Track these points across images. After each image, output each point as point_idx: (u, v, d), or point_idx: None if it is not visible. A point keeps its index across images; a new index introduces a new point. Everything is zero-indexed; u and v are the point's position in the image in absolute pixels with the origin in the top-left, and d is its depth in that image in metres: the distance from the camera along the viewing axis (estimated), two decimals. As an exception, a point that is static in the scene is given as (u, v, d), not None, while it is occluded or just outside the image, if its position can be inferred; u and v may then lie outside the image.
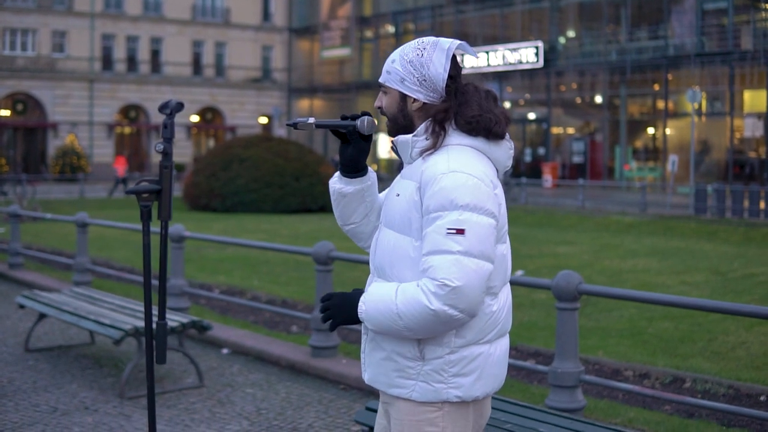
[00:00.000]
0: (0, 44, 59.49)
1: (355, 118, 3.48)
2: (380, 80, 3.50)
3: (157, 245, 3.60)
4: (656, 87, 47.42)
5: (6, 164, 56.60)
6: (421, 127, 3.41)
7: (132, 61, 64.02)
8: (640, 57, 46.51)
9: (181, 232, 11.32)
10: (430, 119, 3.41)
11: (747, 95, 44.12)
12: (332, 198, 3.64)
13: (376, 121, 3.52)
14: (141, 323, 8.27)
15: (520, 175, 46.22)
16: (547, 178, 46.01)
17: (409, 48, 3.46)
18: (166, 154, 3.50)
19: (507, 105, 54.46)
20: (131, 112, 64.54)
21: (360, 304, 3.34)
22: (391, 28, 61.60)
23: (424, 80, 3.41)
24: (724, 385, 8.13)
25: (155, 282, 12.65)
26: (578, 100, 52.59)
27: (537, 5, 52.37)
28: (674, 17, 45.51)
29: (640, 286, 14.66)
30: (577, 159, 50.07)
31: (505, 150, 3.48)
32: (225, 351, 10.03)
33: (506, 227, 3.45)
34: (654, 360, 9.33)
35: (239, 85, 67.27)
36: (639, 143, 49.45)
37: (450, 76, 3.41)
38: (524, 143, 53.38)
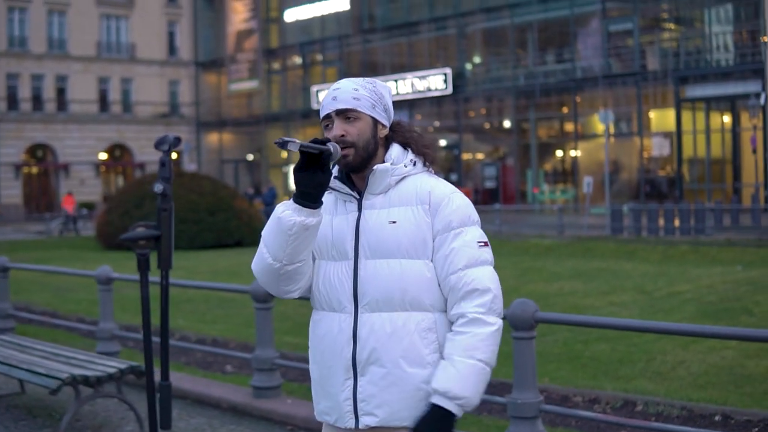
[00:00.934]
0: None
1: (323, 142, 3.33)
2: (347, 106, 3.42)
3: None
4: (565, 109, 48.04)
5: None
6: (395, 155, 3.48)
7: (38, 100, 63.05)
8: (548, 80, 47.12)
9: (109, 273, 11.02)
10: (405, 148, 3.52)
11: (654, 115, 44.87)
12: (287, 233, 3.31)
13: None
14: (78, 371, 7.97)
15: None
16: (461, 204, 46.15)
17: (359, 81, 3.52)
18: (165, 195, 3.20)
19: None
20: (38, 152, 63.55)
21: (448, 403, 3.25)
22: (298, 59, 61.58)
23: (386, 110, 3.51)
24: (676, 407, 8.09)
25: (84, 327, 12.32)
26: (487, 126, 53.05)
27: (443, 32, 52.73)
28: (580, 40, 46.16)
29: (570, 309, 14.68)
30: (489, 184, 50.43)
31: None
32: (162, 395, 9.74)
33: None
34: (599, 384, 9.27)
35: (147, 120, 66.60)
36: (549, 166, 50.00)
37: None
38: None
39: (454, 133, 52.75)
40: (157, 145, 3.20)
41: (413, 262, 3.36)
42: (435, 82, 50.95)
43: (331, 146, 3.32)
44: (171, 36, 68.96)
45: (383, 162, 3.46)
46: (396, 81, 52.52)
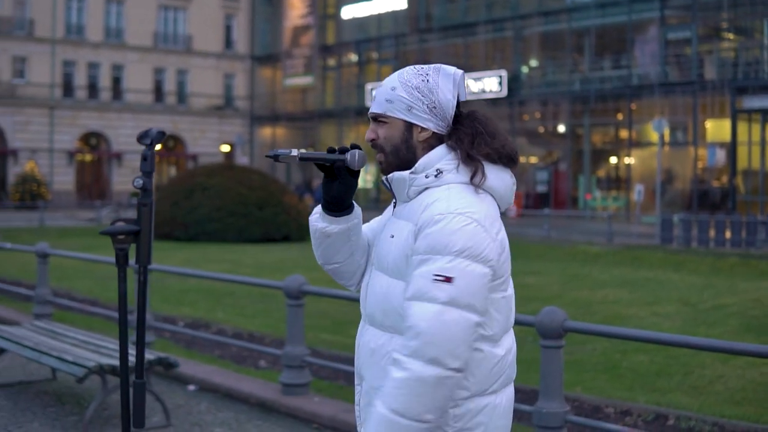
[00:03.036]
0: (-41, 70, 58.99)
1: (343, 151, 3.17)
2: (377, 110, 3.19)
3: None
4: (620, 116, 47.61)
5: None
6: (425, 162, 3.13)
7: (93, 88, 63.59)
8: (604, 86, 46.71)
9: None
10: (450, 150, 3.14)
11: (710, 125, 44.34)
12: (313, 237, 3.32)
13: (365, 155, 3.23)
14: (105, 360, 7.96)
15: (483, 204, 46.07)
16: (512, 208, 45.95)
17: (409, 74, 3.19)
18: (146, 190, 3.10)
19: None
20: (92, 140, 64.05)
21: None
22: (354, 57, 61.58)
23: (434, 107, 3.15)
24: (708, 423, 7.92)
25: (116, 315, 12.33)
26: (541, 130, 52.72)
27: (500, 34, 52.50)
28: (637, 47, 45.72)
29: (612, 318, 14.48)
30: (540, 188, 50.12)
31: (508, 184, 3.26)
32: (192, 388, 9.71)
33: (509, 272, 3.20)
34: (633, 395, 9.11)
35: (201, 112, 66.95)
36: (602, 172, 49.58)
37: (456, 104, 3.18)
38: (487, 172, 53.36)
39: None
40: (140, 138, 3.10)
41: (396, 283, 3.10)
42: (490, 84, 50.74)
43: (349, 155, 3.16)
44: (228, 29, 69.27)
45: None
46: (450, 82, 52.29)
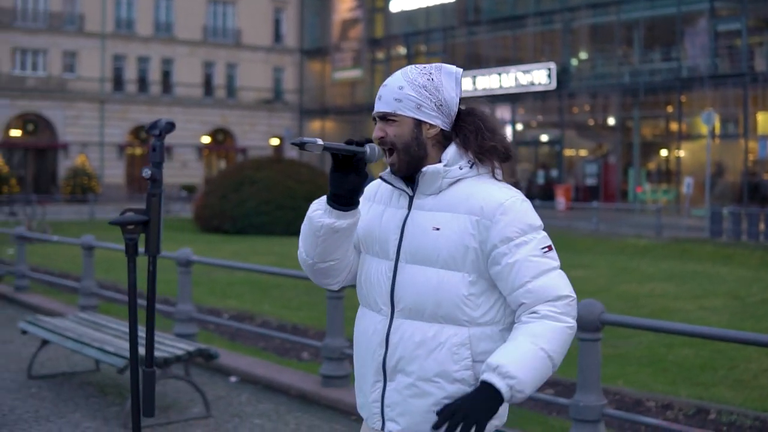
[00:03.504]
0: (10, 64, 59.53)
1: (360, 144, 3.18)
2: (387, 109, 3.23)
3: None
4: (669, 109, 47.19)
5: (16, 185, 56.45)
6: (450, 156, 3.23)
7: (143, 82, 64.02)
8: (653, 79, 46.31)
9: (189, 256, 11.06)
10: (461, 147, 3.24)
11: (761, 117, 43.85)
12: (316, 234, 3.26)
13: (380, 151, 3.25)
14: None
15: (532, 197, 45.92)
16: (561, 201, 45.76)
17: (414, 73, 3.26)
18: (155, 180, 3.11)
19: (519, 127, 54.34)
20: (142, 133, 64.48)
21: (499, 381, 3.01)
22: (402, 50, 61.53)
23: (441, 105, 3.23)
24: (750, 417, 7.83)
25: (165, 308, 12.41)
26: (591, 122, 52.39)
27: (549, 27, 52.21)
28: (687, 39, 45.28)
29: (658, 312, 14.38)
30: (590, 181, 49.84)
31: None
32: (233, 379, 9.75)
33: None
34: (676, 389, 9.04)
35: (250, 106, 67.19)
36: (652, 165, 49.18)
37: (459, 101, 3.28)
38: (537, 165, 53.21)
39: (557, 129, 52.27)
40: (150, 129, 3.10)
41: (452, 275, 3.16)
42: (539, 76, 50.50)
43: (368, 147, 3.18)
44: (277, 23, 69.44)
45: (437, 162, 3.25)
46: (499, 74, 52.20)
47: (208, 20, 66.32)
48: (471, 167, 3.23)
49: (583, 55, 51.84)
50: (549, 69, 49.88)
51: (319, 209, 3.25)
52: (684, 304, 15.57)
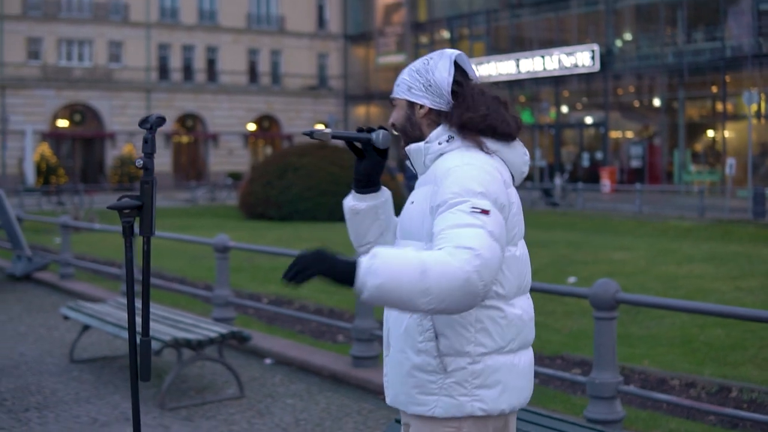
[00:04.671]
0: (57, 55, 60.22)
1: (371, 130, 3.44)
2: (391, 96, 3.47)
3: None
4: (714, 89, 46.90)
5: (64, 174, 57.17)
6: (434, 133, 3.36)
7: (188, 71, 64.53)
8: (697, 59, 46.05)
9: (226, 242, 11.30)
10: (445, 123, 3.35)
11: (806, 96, 43.51)
12: (346, 217, 3.57)
13: (390, 136, 3.47)
14: (181, 334, 8.26)
15: (577, 180, 45.87)
16: (605, 183, 45.65)
17: (418, 61, 3.46)
18: (147, 169, 3.40)
19: (564, 109, 54.18)
20: (188, 121, 65.00)
21: (363, 258, 2.94)
22: (446, 34, 61.53)
23: (430, 85, 3.37)
24: (772, 394, 7.94)
25: (205, 293, 12.69)
26: (636, 104, 52.13)
27: (593, 8, 52.02)
28: (731, 18, 44.95)
29: (694, 292, 14.42)
30: (635, 163, 49.65)
31: (520, 155, 3.42)
32: (268, 361, 9.99)
33: (519, 231, 3.34)
34: (702, 369, 9.15)
35: (295, 93, 67.51)
36: (698, 146, 48.88)
37: (456, 81, 3.36)
38: (582, 148, 53.07)
39: (601, 111, 52.09)
40: (141, 123, 3.38)
41: (415, 244, 3.25)
42: (582, 58, 50.37)
43: (373, 134, 3.43)
44: (320, 9, 69.65)
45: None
46: (543, 57, 52.15)
47: (252, 7, 66.67)
48: (448, 141, 3.30)
49: (627, 36, 51.58)
50: (593, 51, 49.75)
51: (349, 194, 3.54)
52: (721, 284, 15.59)
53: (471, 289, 2.91)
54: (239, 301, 11.80)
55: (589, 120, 53.64)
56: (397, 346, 3.35)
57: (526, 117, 56.28)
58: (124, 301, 10.41)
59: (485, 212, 3.05)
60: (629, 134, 52.54)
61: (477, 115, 3.30)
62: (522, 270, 3.35)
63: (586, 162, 52.31)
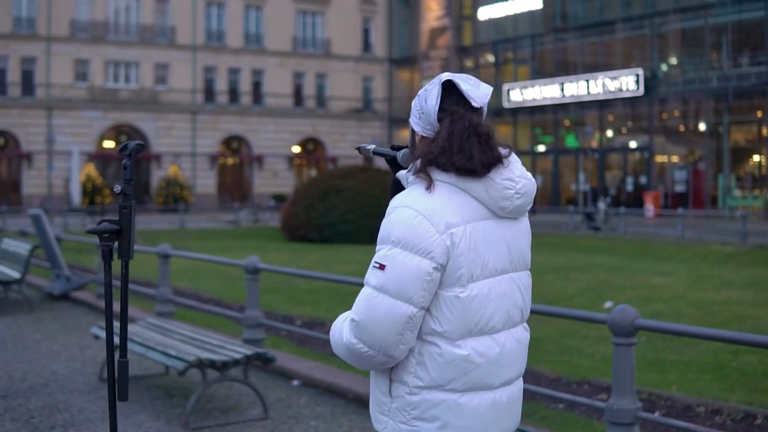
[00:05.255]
0: (103, 77, 60.90)
1: (401, 149, 3.54)
2: None
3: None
4: (759, 114, 46.59)
5: (109, 195, 57.67)
6: (412, 163, 3.34)
7: (234, 93, 65.03)
8: (743, 83, 45.77)
9: (256, 263, 11.35)
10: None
11: None
12: None
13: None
14: (206, 354, 8.31)
15: (620, 204, 45.64)
16: (649, 208, 45.40)
17: (427, 86, 3.46)
18: (125, 194, 3.45)
19: (609, 133, 54.02)
20: (233, 143, 65.41)
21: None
22: (491, 58, 61.62)
23: (422, 113, 3.33)
24: (797, 423, 7.86)
25: (237, 314, 12.75)
26: (681, 128, 51.86)
27: (638, 32, 51.93)
28: (776, 43, 44.69)
29: (730, 319, 14.30)
30: (679, 188, 49.35)
31: (497, 189, 3.25)
32: (295, 383, 10.02)
33: (468, 272, 3.21)
34: (731, 395, 9.07)
35: (340, 115, 67.80)
36: (742, 171, 48.53)
37: (443, 109, 3.28)
38: (626, 172, 52.84)
39: (646, 135, 51.87)
40: (121, 150, 3.44)
41: None
42: (627, 82, 50.24)
43: (399, 153, 3.52)
44: (366, 32, 70.03)
45: None
46: (587, 81, 52.06)
47: (298, 31, 67.12)
48: (414, 174, 3.28)
49: (672, 60, 51.40)
50: (637, 75, 49.57)
51: None
52: (758, 311, 15.45)
53: (355, 353, 3.17)
54: (270, 323, 11.83)
55: (633, 144, 53.41)
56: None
57: (570, 141, 56.18)
58: (154, 321, 10.49)
59: (381, 267, 3.12)
60: (674, 158, 52.26)
61: (437, 148, 3.23)
62: (470, 312, 3.23)
63: (630, 186, 52.08)
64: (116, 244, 3.53)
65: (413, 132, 3.42)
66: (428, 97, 3.31)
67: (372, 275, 3.14)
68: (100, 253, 3.49)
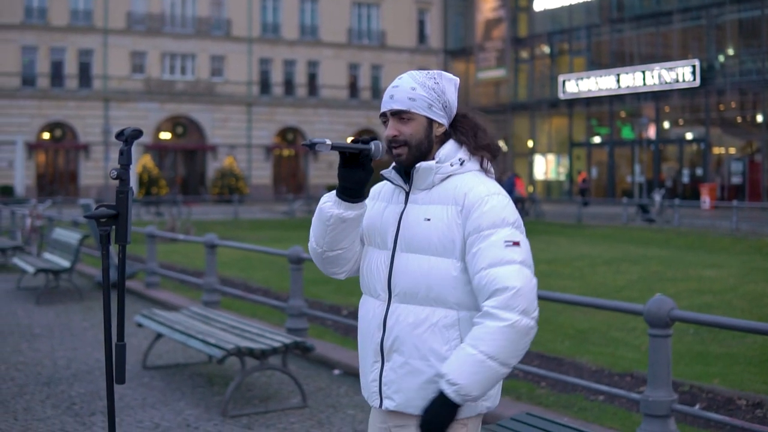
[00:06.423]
0: (160, 69, 61.35)
1: (366, 142, 3.47)
2: (403, 107, 3.50)
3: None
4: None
5: (165, 186, 58.14)
6: (444, 153, 3.50)
7: (289, 85, 65.22)
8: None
9: (300, 253, 11.38)
10: (457, 145, 3.53)
11: None
12: (326, 223, 3.56)
13: (384, 147, 3.52)
14: (244, 343, 8.35)
15: (676, 196, 45.24)
16: (705, 200, 44.93)
17: (421, 77, 3.55)
18: (122, 179, 3.46)
19: (666, 125, 53.57)
20: (289, 135, 65.62)
21: (448, 387, 3.26)
22: (546, 49, 61.27)
23: (446, 107, 3.52)
24: (840, 416, 7.75)
25: (278, 303, 12.79)
26: (738, 119, 51.26)
27: (694, 23, 51.40)
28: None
29: (780, 311, 14.15)
30: (735, 180, 48.79)
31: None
32: (336, 372, 10.04)
33: None
34: (777, 389, 8.96)
35: (395, 107, 67.65)
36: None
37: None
38: (682, 164, 52.34)
39: (702, 127, 51.34)
40: (117, 135, 3.47)
41: (441, 260, 3.43)
42: (683, 73, 49.75)
43: (373, 145, 3.46)
44: (421, 24, 69.92)
45: (434, 159, 3.53)
46: (643, 72, 51.64)
47: (353, 22, 67.18)
48: (461, 164, 3.48)
49: (730, 51, 50.79)
50: (693, 66, 49.07)
51: (329, 201, 3.56)
52: (810, 303, 15.27)
53: (522, 329, 3.28)
54: (314, 312, 11.87)
55: (689, 136, 52.88)
56: (413, 355, 3.44)
57: (626, 132, 55.76)
58: (197, 309, 10.56)
59: (516, 244, 3.36)
60: (731, 150, 51.69)
61: (493, 143, 3.55)
62: None
63: (686, 178, 51.60)
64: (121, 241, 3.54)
65: (430, 123, 3.51)
66: (447, 91, 3.53)
67: (513, 252, 3.33)
68: (99, 237, 3.50)
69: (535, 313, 3.30)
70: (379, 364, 3.53)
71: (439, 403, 3.26)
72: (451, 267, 3.41)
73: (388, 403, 3.51)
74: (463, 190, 3.43)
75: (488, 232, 3.34)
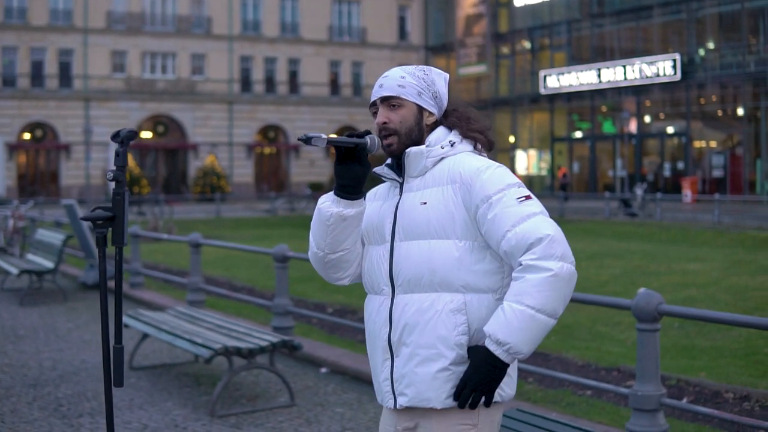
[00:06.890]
0: (140, 68, 61.21)
1: (361, 136, 3.45)
2: (392, 93, 3.51)
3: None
4: (797, 98, 46.13)
5: (147, 185, 58.01)
6: (433, 138, 3.51)
7: (270, 82, 65.16)
8: (779, 68, 45.35)
9: (285, 252, 11.37)
10: (446, 129, 3.54)
11: None
12: (326, 223, 3.53)
13: (379, 140, 3.52)
14: (231, 342, 8.33)
15: (658, 190, 45.39)
16: (687, 193, 45.08)
17: (410, 68, 3.59)
18: (118, 181, 3.44)
19: (646, 119, 53.71)
20: (270, 133, 65.55)
21: (496, 348, 3.25)
22: (527, 44, 61.35)
23: (436, 96, 3.54)
24: (827, 408, 7.78)
25: (263, 301, 12.77)
26: (719, 113, 51.43)
27: (675, 17, 51.54)
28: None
29: (764, 304, 14.19)
30: (717, 173, 48.95)
31: None
32: (323, 370, 10.03)
33: None
34: (760, 382, 8.99)
35: (376, 104, 67.68)
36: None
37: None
38: (663, 158, 52.48)
39: (683, 121, 51.48)
40: (113, 137, 3.45)
41: (441, 242, 3.38)
42: (664, 67, 49.89)
43: (368, 139, 3.45)
44: (402, 20, 69.97)
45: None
46: (624, 66, 51.76)
47: (333, 19, 67.16)
48: (452, 146, 3.49)
49: (710, 45, 50.95)
50: (674, 60, 49.21)
51: (327, 200, 3.53)
52: (794, 296, 15.31)
53: (565, 276, 3.25)
54: (300, 311, 11.85)
55: (671, 130, 53.04)
56: (421, 344, 3.39)
57: (607, 127, 55.90)
58: (183, 309, 10.54)
59: (528, 198, 3.35)
60: (712, 144, 51.86)
61: (486, 128, 3.58)
62: None
63: (667, 172, 51.75)
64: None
65: (421, 111, 3.52)
66: (435, 83, 3.55)
67: (529, 206, 3.33)
68: (95, 239, 3.48)
69: (573, 258, 3.29)
70: (390, 362, 3.47)
71: (485, 363, 3.26)
72: (453, 248, 3.37)
73: (402, 400, 3.45)
74: (458, 169, 3.42)
75: (498, 196, 3.32)
